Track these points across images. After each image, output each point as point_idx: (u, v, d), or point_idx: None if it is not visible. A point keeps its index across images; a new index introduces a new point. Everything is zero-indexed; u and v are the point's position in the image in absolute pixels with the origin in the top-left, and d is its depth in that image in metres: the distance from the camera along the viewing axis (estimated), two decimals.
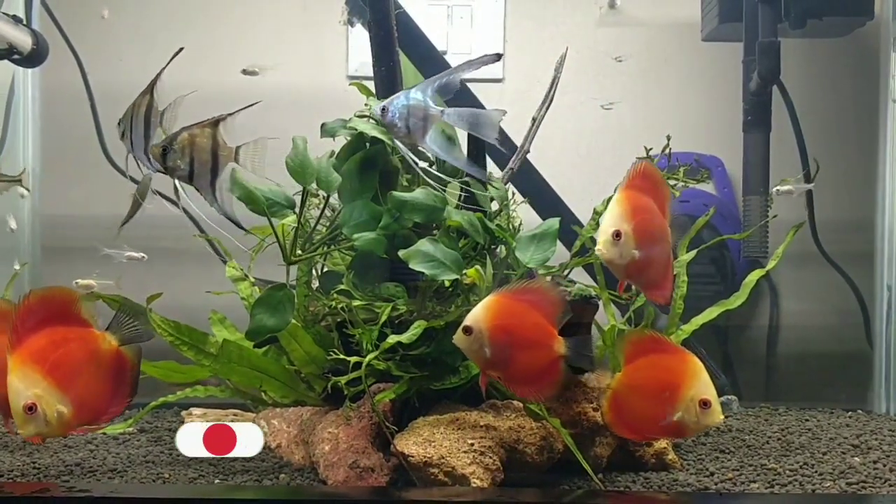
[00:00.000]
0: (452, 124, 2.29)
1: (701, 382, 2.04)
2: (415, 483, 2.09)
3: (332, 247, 2.40)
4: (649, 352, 2.11)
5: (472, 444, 2.10)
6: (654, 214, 2.15)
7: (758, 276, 2.79)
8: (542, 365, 2.06)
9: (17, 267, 3.08)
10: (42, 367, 1.95)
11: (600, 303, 2.45)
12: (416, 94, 2.22)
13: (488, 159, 2.64)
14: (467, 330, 2.03)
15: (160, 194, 2.45)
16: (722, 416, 2.05)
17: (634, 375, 2.11)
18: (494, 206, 2.49)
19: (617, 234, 2.06)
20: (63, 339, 2.01)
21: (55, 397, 1.94)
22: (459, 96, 2.92)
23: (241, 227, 2.27)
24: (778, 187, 2.97)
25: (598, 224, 2.57)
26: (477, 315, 2.04)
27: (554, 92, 2.61)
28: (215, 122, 2.13)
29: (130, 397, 2.11)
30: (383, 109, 2.22)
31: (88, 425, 2.07)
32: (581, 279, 2.49)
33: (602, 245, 2.07)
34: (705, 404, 2.02)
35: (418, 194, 2.31)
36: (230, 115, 2.14)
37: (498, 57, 2.28)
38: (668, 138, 2.48)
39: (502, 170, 2.73)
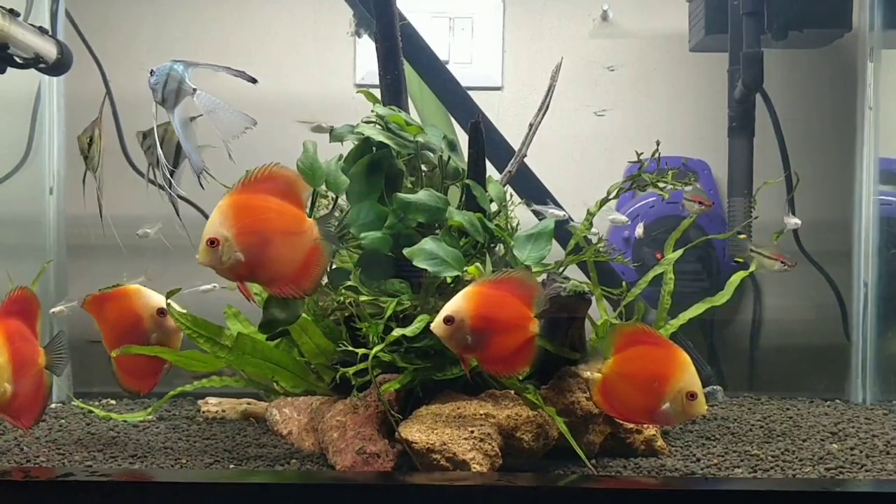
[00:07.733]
0: (199, 106, 2.20)
1: (688, 375, 2.06)
2: (418, 468, 2.09)
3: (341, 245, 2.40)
4: (639, 343, 2.11)
5: (472, 432, 2.10)
6: (267, 214, 2.01)
7: (741, 277, 2.79)
8: (517, 345, 2.06)
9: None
10: (9, 347, 2.03)
11: (593, 298, 2.45)
12: (178, 66, 2.19)
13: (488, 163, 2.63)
14: (449, 320, 2.01)
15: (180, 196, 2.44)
16: (706, 407, 2.07)
17: (625, 364, 2.10)
18: (493, 206, 2.49)
19: (211, 242, 1.96)
20: (23, 336, 2.09)
21: (5, 375, 2.01)
22: (462, 103, 2.95)
23: None
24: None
25: (591, 224, 2.58)
26: (458, 305, 2.02)
27: (550, 99, 2.61)
28: None
29: (37, 420, 2.15)
30: (151, 72, 2.18)
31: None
32: (576, 276, 2.48)
33: (200, 254, 1.98)
34: (692, 396, 2.04)
35: (422, 196, 2.31)
36: None
37: (254, 80, 2.23)
38: (658, 143, 2.47)
39: (500, 172, 2.73)
